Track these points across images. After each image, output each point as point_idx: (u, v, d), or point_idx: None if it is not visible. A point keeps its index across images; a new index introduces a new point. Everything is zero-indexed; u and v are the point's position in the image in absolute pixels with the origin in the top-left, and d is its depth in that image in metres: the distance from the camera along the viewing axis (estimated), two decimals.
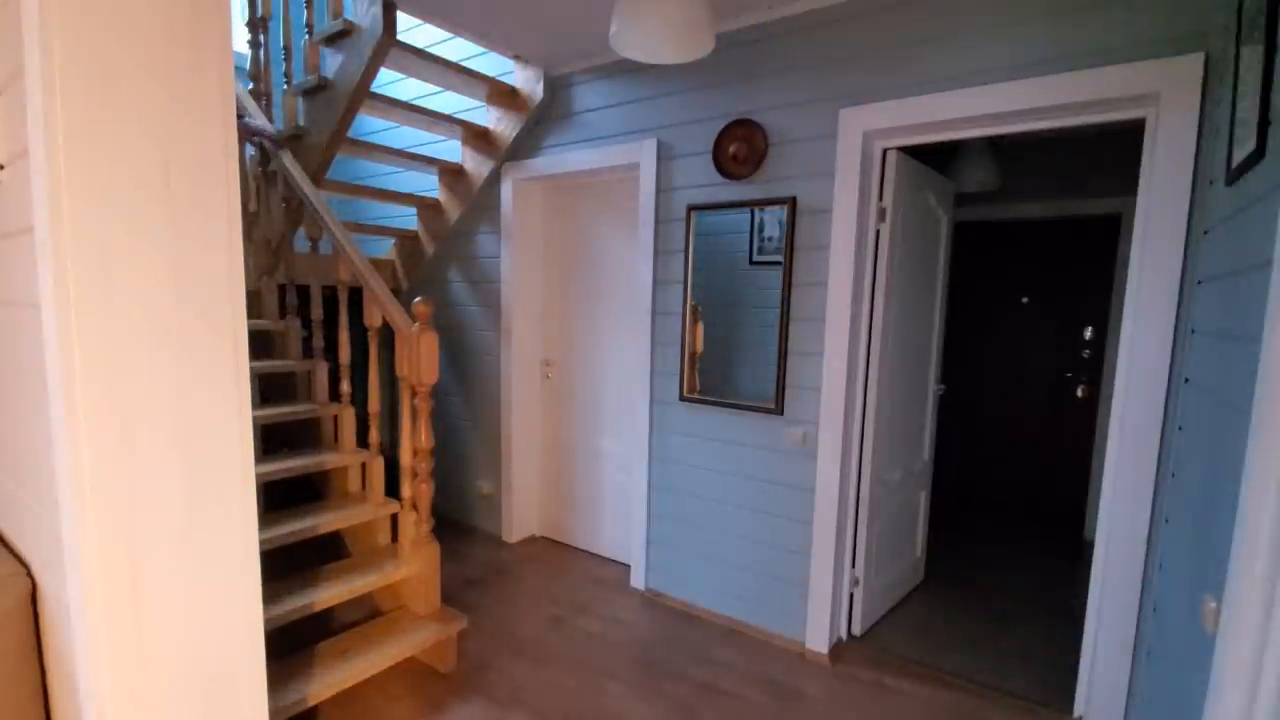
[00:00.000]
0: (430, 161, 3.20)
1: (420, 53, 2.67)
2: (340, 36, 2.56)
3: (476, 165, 3.26)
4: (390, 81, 3.72)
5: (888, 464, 2.57)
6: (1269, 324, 0.75)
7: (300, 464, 2.29)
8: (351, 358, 2.49)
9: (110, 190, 0.79)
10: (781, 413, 2.40)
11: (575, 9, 2.34)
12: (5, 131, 0.96)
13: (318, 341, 2.60)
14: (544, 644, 2.44)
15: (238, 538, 0.94)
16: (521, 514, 3.45)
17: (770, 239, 2.39)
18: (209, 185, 0.87)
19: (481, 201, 3.33)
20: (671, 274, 2.67)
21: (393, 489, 2.39)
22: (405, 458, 2.22)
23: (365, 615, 2.30)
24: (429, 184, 3.60)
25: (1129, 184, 2.05)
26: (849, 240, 2.21)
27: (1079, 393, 3.86)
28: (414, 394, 2.16)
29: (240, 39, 3.36)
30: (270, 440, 2.55)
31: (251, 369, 2.12)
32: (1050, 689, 2.18)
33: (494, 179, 3.23)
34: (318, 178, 2.73)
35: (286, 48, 2.80)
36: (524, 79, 3.02)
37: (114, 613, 0.83)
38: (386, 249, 3.70)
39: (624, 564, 3.13)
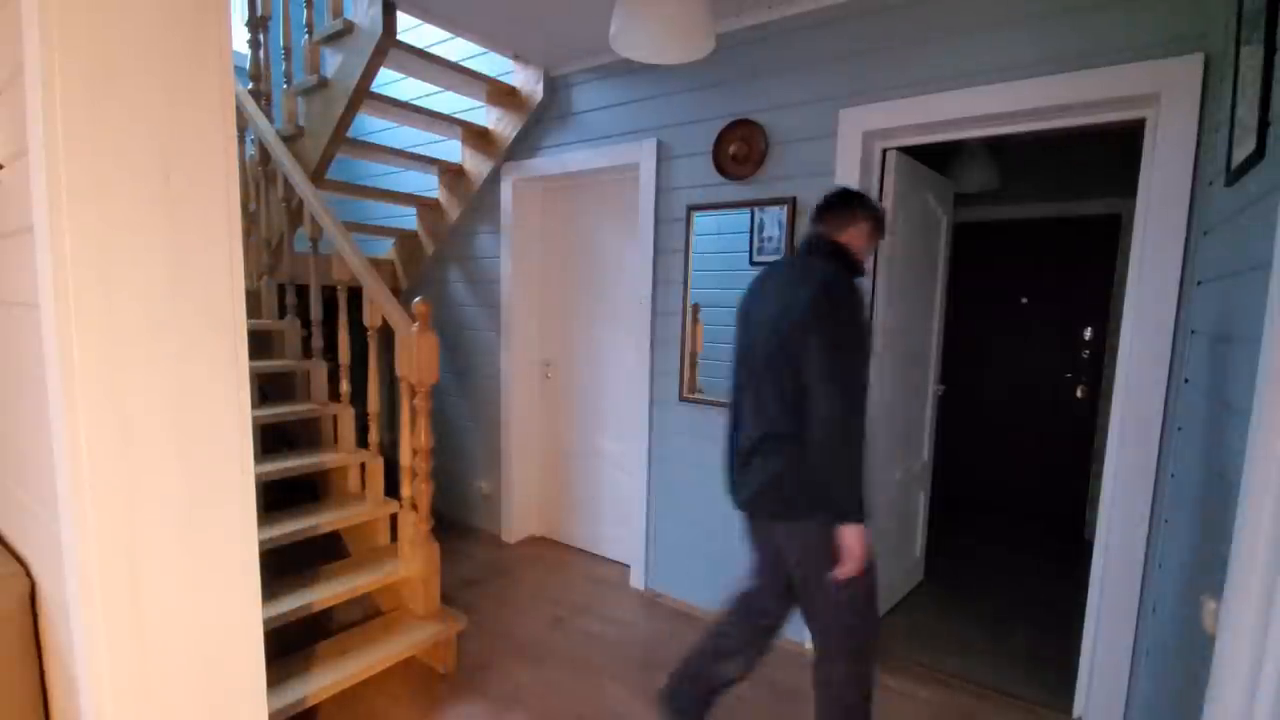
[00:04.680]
0: (430, 161, 3.20)
1: (420, 53, 2.67)
2: (340, 36, 2.56)
3: (476, 165, 3.26)
4: (390, 81, 3.72)
5: (888, 464, 2.56)
6: (1269, 324, 0.74)
7: (299, 464, 2.29)
8: (351, 357, 2.49)
9: (110, 189, 0.79)
10: None
11: (575, 9, 2.34)
12: (5, 131, 0.95)
13: (317, 341, 2.60)
14: (544, 644, 2.43)
15: (238, 537, 0.94)
16: (521, 514, 3.45)
17: (770, 239, 2.39)
18: (209, 184, 0.87)
19: (481, 201, 3.33)
20: (671, 274, 2.67)
21: (392, 489, 2.39)
22: (405, 458, 2.22)
23: (365, 615, 2.30)
24: (429, 184, 3.60)
25: (1129, 184, 2.05)
26: None
27: (1079, 393, 3.86)
28: (414, 394, 2.16)
29: (240, 39, 3.36)
30: (270, 440, 2.55)
31: (251, 369, 2.12)
32: (1050, 689, 2.18)
33: (494, 179, 3.23)
34: (317, 178, 2.73)
35: (286, 48, 2.80)
36: (524, 79, 3.02)
37: (113, 613, 0.83)
38: (386, 249, 3.70)
39: (624, 564, 3.12)
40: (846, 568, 1.48)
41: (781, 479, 1.54)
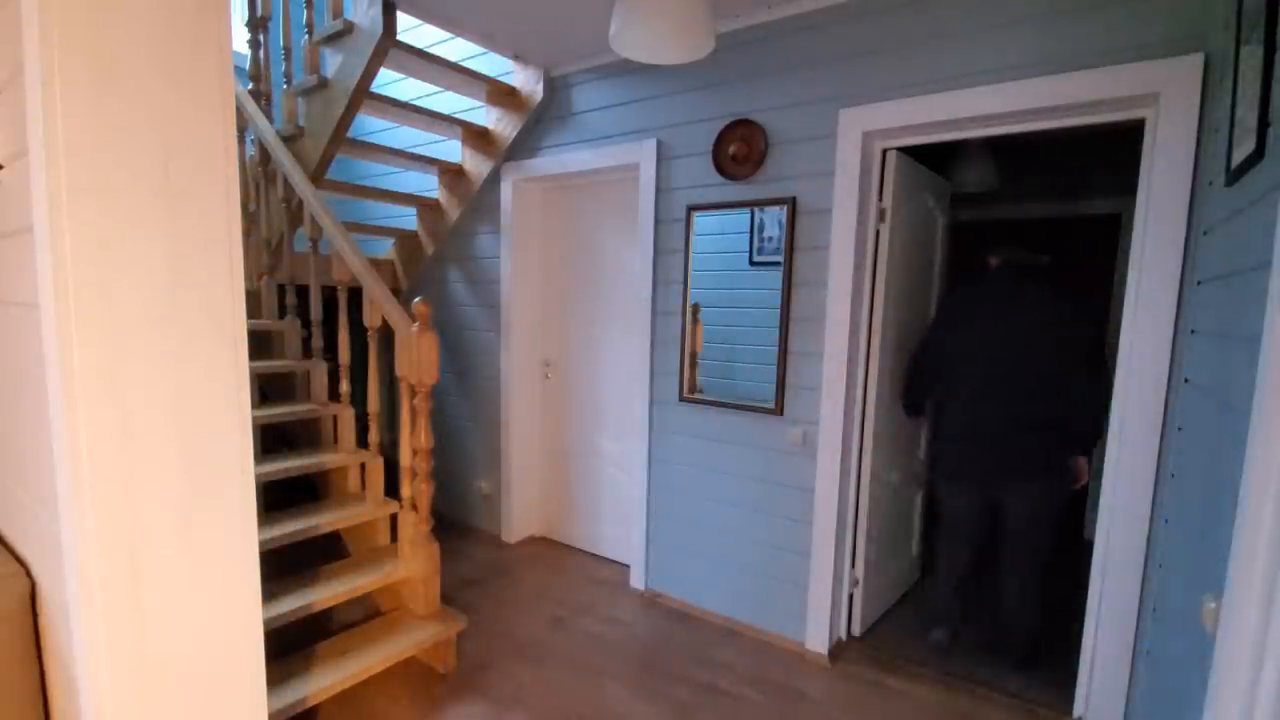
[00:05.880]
0: (430, 161, 3.20)
1: (420, 53, 2.67)
2: (340, 36, 2.56)
3: (476, 165, 3.26)
4: (390, 81, 3.72)
5: (887, 464, 2.56)
6: (1269, 324, 0.75)
7: (299, 464, 2.29)
8: (351, 357, 2.49)
9: (110, 190, 0.79)
10: (781, 413, 2.40)
11: (575, 9, 2.34)
12: (5, 131, 0.96)
13: (317, 341, 2.60)
14: (544, 644, 2.43)
15: (237, 538, 0.94)
16: (521, 514, 3.45)
17: (770, 239, 2.39)
18: (209, 183, 0.87)
19: (481, 201, 3.33)
20: (671, 274, 2.67)
21: (392, 489, 2.39)
22: (405, 458, 2.22)
23: (365, 615, 2.30)
24: (429, 184, 3.60)
25: (1129, 184, 2.05)
26: (849, 240, 2.21)
27: None
28: (414, 394, 2.16)
29: (240, 39, 3.36)
30: (270, 440, 2.55)
31: (251, 369, 2.12)
32: (1050, 689, 2.18)
33: (494, 179, 3.23)
34: (317, 178, 2.73)
35: (286, 48, 2.80)
36: (524, 79, 3.02)
37: (113, 613, 0.83)
38: (386, 249, 3.70)
39: (623, 564, 3.12)
40: (1083, 483, 2.26)
41: (1055, 443, 2.16)
